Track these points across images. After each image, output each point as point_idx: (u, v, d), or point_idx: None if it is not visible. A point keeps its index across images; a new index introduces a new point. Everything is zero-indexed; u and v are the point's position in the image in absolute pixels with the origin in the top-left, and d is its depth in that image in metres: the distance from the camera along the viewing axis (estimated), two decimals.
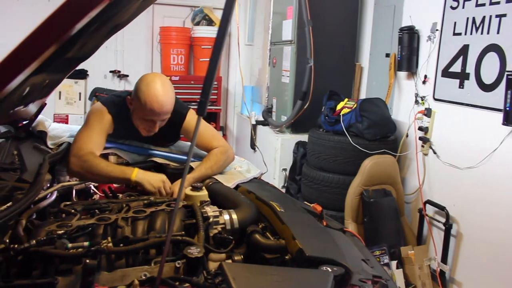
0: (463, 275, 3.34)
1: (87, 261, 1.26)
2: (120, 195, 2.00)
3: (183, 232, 1.53)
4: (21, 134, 2.29)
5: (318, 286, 1.22)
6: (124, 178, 2.00)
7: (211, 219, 1.65)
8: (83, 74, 5.90)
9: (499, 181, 3.00)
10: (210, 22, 6.20)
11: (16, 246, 1.33)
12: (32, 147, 2.16)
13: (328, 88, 4.20)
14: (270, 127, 4.96)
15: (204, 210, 1.68)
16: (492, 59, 3.05)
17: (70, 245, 1.37)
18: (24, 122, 2.37)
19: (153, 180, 2.01)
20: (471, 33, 3.23)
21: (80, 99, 5.88)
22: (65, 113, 5.76)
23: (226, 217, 1.69)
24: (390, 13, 4.17)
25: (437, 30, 3.58)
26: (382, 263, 3.25)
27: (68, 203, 1.72)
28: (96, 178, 2.07)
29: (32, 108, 2.14)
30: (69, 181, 2.13)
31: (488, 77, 3.08)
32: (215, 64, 0.86)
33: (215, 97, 6.03)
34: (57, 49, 1.03)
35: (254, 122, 5.24)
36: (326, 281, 1.23)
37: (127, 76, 6.18)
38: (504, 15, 2.95)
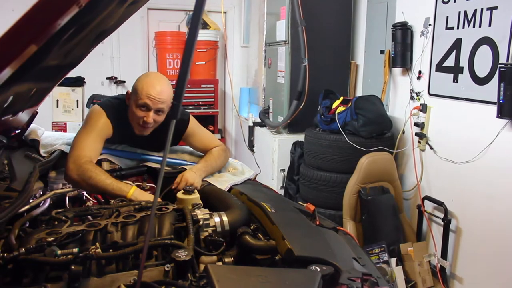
0: (463, 270, 3.33)
1: (72, 267, 1.26)
2: (112, 201, 2.00)
3: (172, 236, 1.53)
4: (14, 143, 2.30)
5: (305, 286, 1.21)
6: (121, 195, 1.97)
7: (201, 222, 1.64)
8: (80, 82, 5.90)
9: (496, 174, 2.99)
10: (204, 25, 6.21)
11: (5, 254, 1.33)
12: (24, 156, 2.16)
13: (324, 87, 4.20)
14: (267, 128, 4.95)
15: (195, 213, 1.68)
16: (484, 52, 3.04)
17: (59, 252, 1.37)
18: (17, 131, 2.37)
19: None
20: (463, 27, 3.22)
21: (77, 107, 5.88)
22: (63, 121, 5.75)
23: (216, 219, 1.69)
24: (383, 10, 4.16)
25: (429, 25, 3.57)
26: (381, 260, 3.23)
27: (59, 210, 1.71)
28: (92, 189, 2.05)
29: (23, 117, 2.14)
30: (62, 188, 2.13)
31: (482, 70, 3.07)
32: (187, 66, 0.86)
33: (212, 100, 6.03)
34: (32, 56, 1.03)
35: (251, 124, 5.23)
36: (314, 280, 1.23)
37: (124, 82, 6.18)
38: (495, 8, 2.94)
